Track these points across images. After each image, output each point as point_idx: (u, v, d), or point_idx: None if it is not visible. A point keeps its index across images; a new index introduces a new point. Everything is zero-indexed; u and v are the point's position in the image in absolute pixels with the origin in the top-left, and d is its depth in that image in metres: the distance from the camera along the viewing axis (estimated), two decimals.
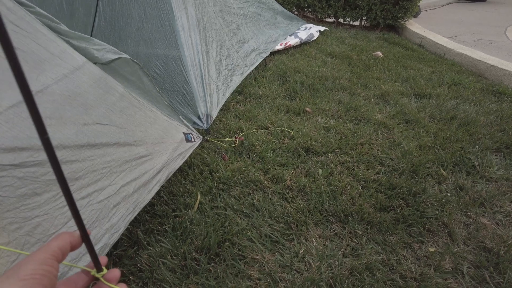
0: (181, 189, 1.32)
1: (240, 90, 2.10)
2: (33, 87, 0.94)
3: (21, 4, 1.06)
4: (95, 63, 1.23)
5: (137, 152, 1.12)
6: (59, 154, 0.90)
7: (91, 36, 2.01)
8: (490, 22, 5.36)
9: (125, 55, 1.27)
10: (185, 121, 1.43)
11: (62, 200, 0.88)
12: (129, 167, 1.07)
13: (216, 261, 1.07)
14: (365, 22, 4.17)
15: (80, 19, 2.09)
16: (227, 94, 1.88)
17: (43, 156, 0.86)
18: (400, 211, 1.29)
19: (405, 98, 2.18)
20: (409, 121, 1.91)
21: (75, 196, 0.91)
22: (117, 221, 0.98)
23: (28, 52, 0.97)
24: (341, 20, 4.35)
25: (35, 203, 0.82)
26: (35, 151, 0.85)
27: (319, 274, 1.03)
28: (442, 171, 1.52)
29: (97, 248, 0.92)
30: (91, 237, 0.94)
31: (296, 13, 4.66)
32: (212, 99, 1.71)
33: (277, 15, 3.22)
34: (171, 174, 1.21)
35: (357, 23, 4.29)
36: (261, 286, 0.99)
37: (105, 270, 0.33)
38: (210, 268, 1.04)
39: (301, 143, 1.64)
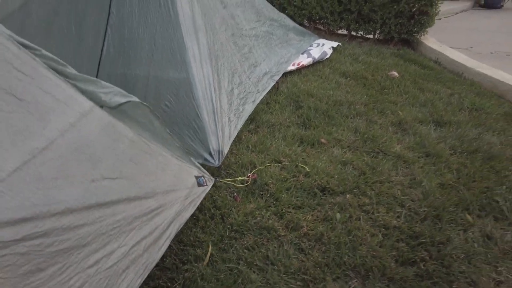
0: (191, 238, 1.26)
1: (252, 118, 2.03)
2: (38, 143, 0.88)
3: (26, 47, 1.00)
4: (102, 107, 1.17)
5: (148, 206, 1.06)
6: (66, 220, 0.84)
7: (99, 63, 1.98)
8: (507, 31, 5.19)
9: (134, 98, 1.21)
10: (196, 163, 1.37)
11: (68, 273, 0.82)
12: (139, 224, 1.02)
13: None
14: (379, 36, 4.06)
15: (88, 44, 2.05)
16: (239, 126, 1.82)
17: (48, 224, 0.81)
18: (424, 266, 1.20)
19: (424, 126, 2.09)
20: (430, 154, 1.82)
21: (83, 265, 0.86)
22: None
23: (32, 102, 0.92)
24: (353, 33, 4.25)
25: (39, 280, 0.77)
26: (40, 220, 0.79)
27: None
28: (468, 216, 1.43)
29: None
30: None
31: (307, 25, 4.59)
32: (223, 133, 1.65)
33: (289, 31, 3.15)
34: (181, 226, 1.15)
35: (370, 36, 4.19)
36: None
37: None
38: None
39: (317, 180, 1.57)
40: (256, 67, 2.26)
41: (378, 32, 4.00)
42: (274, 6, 4.58)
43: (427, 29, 3.73)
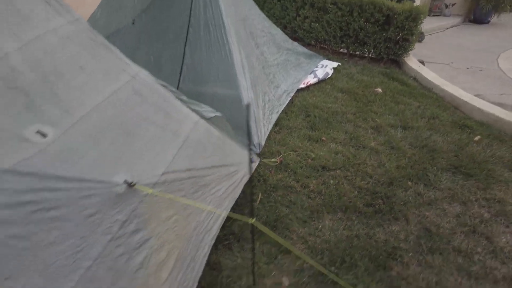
0: (249, 190, 2.26)
1: (276, 123, 3.03)
2: (181, 140, 1.87)
3: (164, 86, 2.00)
4: (202, 118, 2.16)
5: (230, 170, 2.07)
6: (201, 172, 1.85)
7: (178, 84, 2.99)
8: (487, 48, 6.02)
9: (218, 114, 2.21)
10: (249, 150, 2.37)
11: (206, 195, 1.82)
12: (227, 178, 2.02)
13: (273, 230, 2.00)
14: (372, 55, 5.03)
15: (167, 72, 3.05)
16: (269, 128, 2.81)
17: (195, 173, 1.81)
18: (378, 207, 2.19)
19: (394, 129, 3.06)
20: (394, 147, 2.80)
21: (209, 192, 1.86)
22: (227, 205, 1.92)
23: (174, 117, 1.92)
24: (352, 52, 5.23)
25: (197, 195, 1.77)
26: (194, 171, 1.79)
27: (329, 238, 1.94)
28: (409, 183, 2.40)
29: (219, 219, 1.86)
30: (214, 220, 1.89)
31: (314, 44, 5.57)
32: (261, 133, 2.65)
33: (300, 56, 4.14)
34: (245, 181, 2.15)
35: (366, 55, 5.15)
36: (298, 243, 1.92)
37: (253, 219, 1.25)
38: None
39: (319, 162, 2.56)
40: (278, 87, 3.25)
41: (372, 52, 4.97)
42: (287, 29, 5.61)
43: (409, 52, 4.68)
